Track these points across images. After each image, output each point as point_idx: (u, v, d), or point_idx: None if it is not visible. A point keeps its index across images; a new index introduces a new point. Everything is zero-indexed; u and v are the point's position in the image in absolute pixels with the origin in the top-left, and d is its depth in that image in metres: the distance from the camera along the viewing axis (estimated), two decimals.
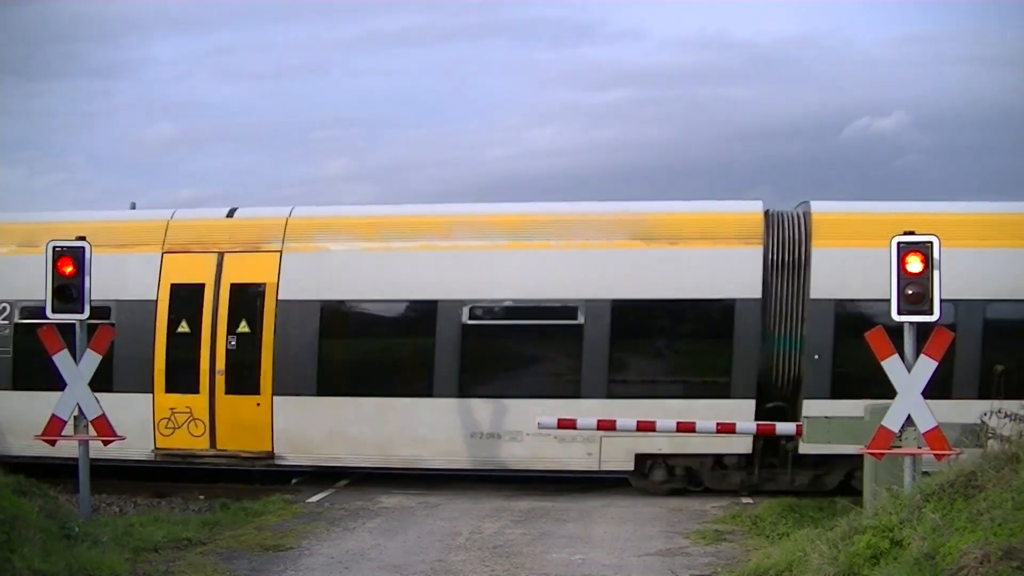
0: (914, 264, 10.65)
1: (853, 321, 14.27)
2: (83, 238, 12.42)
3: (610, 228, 15.64)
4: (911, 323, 10.72)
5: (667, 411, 14.53)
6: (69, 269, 12.25)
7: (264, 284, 15.98)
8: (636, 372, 15.80)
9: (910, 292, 10.63)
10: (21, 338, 15.92)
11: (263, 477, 16.44)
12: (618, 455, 15.25)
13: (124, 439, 12.86)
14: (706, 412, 14.44)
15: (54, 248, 12.32)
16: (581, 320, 15.31)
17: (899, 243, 10.76)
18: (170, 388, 15.98)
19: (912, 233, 10.76)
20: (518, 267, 15.62)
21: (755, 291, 14.99)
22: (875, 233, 12.95)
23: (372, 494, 15.27)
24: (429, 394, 15.58)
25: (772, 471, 15.26)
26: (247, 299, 16.06)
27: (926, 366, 10.64)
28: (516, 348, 16.04)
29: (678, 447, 15.07)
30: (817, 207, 15.39)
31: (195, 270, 16.20)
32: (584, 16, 55.65)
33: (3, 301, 16.30)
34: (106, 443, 12.62)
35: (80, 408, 12.40)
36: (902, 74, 52.54)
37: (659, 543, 11.94)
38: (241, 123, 55.83)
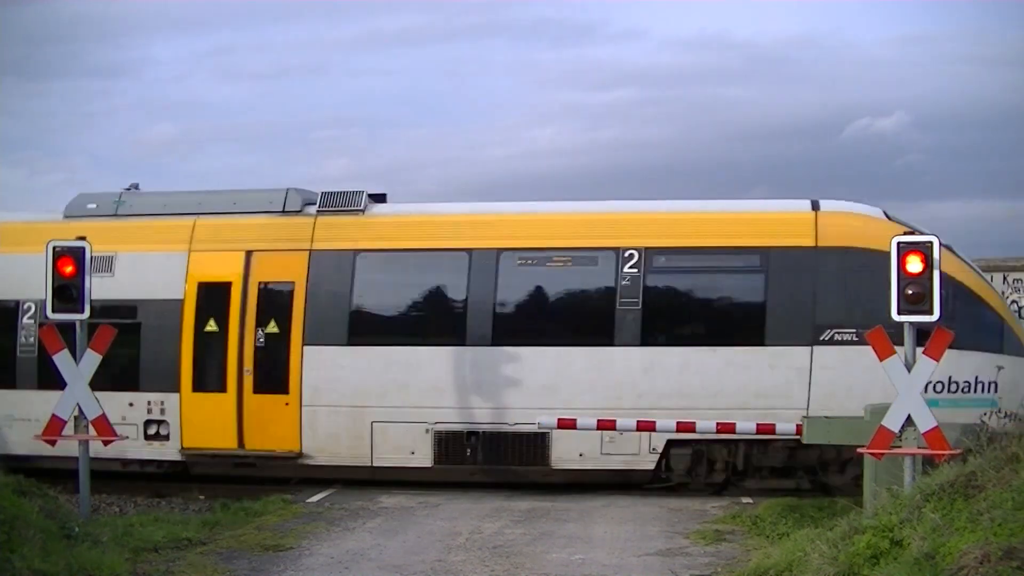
0: (914, 264, 10.65)
1: None
2: (83, 238, 12.43)
3: None
4: (911, 323, 10.74)
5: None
6: (69, 269, 12.26)
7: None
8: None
9: (910, 292, 10.62)
10: None
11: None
12: None
13: (126, 439, 12.85)
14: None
15: (54, 248, 12.33)
16: None
17: (899, 243, 10.76)
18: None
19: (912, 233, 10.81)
20: None
21: None
22: None
23: (372, 494, 15.26)
24: None
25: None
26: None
27: (926, 366, 10.66)
28: None
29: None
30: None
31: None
32: (585, 16, 55.92)
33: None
34: (106, 443, 12.62)
35: (80, 408, 12.41)
36: (902, 74, 52.77)
37: (659, 543, 11.93)
38: (241, 123, 56.09)
